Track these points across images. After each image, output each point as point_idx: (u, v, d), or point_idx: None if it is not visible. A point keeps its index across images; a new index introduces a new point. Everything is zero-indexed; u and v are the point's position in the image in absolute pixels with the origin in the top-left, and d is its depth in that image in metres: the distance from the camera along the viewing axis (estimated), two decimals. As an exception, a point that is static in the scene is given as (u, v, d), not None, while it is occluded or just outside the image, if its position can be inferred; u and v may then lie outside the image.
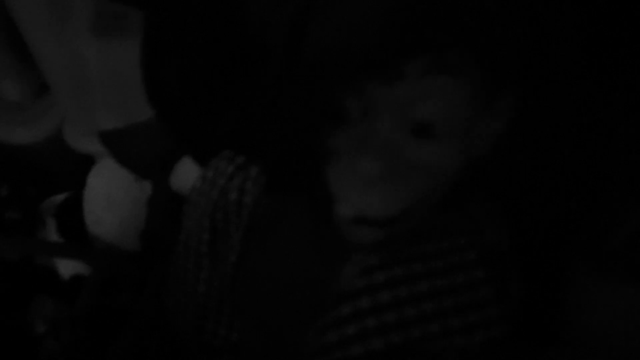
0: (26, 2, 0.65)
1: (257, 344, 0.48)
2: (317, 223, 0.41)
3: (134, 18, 0.65)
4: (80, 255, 0.68)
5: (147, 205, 0.66)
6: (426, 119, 0.33)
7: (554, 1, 0.33)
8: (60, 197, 0.79)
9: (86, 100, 0.76)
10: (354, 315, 0.37)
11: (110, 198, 0.67)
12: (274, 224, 0.45)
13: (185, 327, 0.56)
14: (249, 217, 0.47)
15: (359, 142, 0.33)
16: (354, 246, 0.38)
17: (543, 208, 0.40)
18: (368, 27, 0.30)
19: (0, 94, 0.86)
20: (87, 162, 0.88)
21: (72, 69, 0.72)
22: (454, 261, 0.38)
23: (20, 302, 0.75)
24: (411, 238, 0.39)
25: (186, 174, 0.65)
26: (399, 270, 0.37)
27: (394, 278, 0.37)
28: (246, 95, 0.43)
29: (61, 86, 0.75)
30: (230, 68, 0.44)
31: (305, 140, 0.38)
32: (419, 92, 0.32)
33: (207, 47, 0.46)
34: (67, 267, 0.71)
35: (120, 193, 0.67)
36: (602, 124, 0.40)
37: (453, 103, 0.33)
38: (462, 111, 0.34)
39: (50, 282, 0.79)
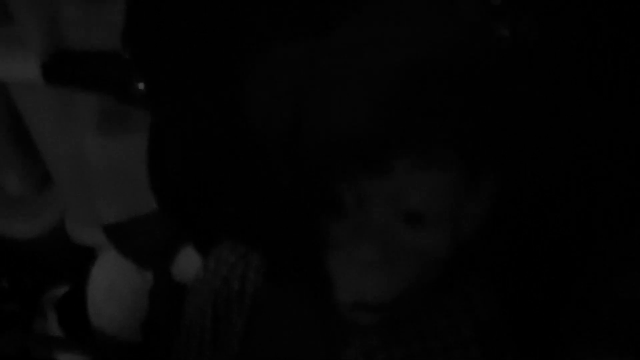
0: (35, 101, 0.69)
1: None
2: (317, 309, 0.44)
3: (136, 116, 0.69)
4: (80, 348, 0.68)
5: (149, 296, 0.68)
6: (416, 208, 0.36)
7: (528, 102, 0.37)
8: (61, 290, 0.81)
9: (88, 193, 0.79)
10: None
11: (113, 289, 0.69)
12: (275, 311, 0.47)
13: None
14: (251, 304, 0.49)
15: (355, 230, 0.36)
16: (354, 329, 0.40)
17: (532, 283, 0.43)
18: (359, 127, 0.34)
19: (3, 188, 0.88)
20: (87, 254, 0.90)
21: (75, 164, 0.75)
22: (450, 339, 0.40)
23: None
24: (408, 319, 0.41)
25: (187, 264, 0.67)
26: (398, 351, 0.39)
27: (393, 357, 0.39)
28: (246, 186, 0.46)
29: (65, 180, 0.79)
30: (231, 162, 0.47)
31: (304, 230, 0.40)
32: (409, 185, 0.35)
33: (209, 144, 0.49)
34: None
35: (123, 284, 0.69)
36: (579, 202, 0.44)
37: (440, 193, 0.36)
38: (448, 199, 0.37)
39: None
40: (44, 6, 0.58)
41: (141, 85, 0.56)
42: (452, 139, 0.36)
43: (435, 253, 0.38)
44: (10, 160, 0.86)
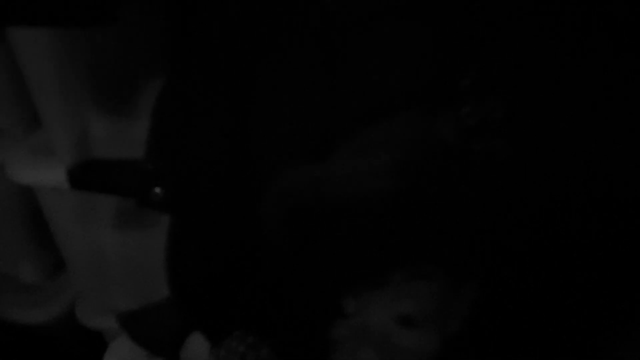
0: (58, 202, 0.75)
1: None
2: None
3: (150, 215, 0.76)
4: None
5: (160, 381, 0.73)
6: (408, 312, 0.42)
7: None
8: (72, 375, 0.85)
9: (102, 282, 0.84)
10: None
11: (125, 376, 0.73)
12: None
13: None
14: (261, 394, 0.54)
15: (355, 332, 0.42)
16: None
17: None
18: (360, 249, 0.41)
19: (17, 275, 0.93)
20: (96, 340, 0.94)
21: (91, 256, 0.81)
22: None
23: None
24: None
25: (195, 350, 0.72)
26: None
27: None
28: (257, 288, 0.52)
29: (80, 269, 0.84)
30: (244, 265, 0.54)
31: (310, 329, 0.47)
32: (401, 293, 0.42)
33: (223, 249, 0.56)
34: None
35: (135, 370, 0.74)
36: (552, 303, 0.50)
37: (428, 299, 0.42)
38: (435, 303, 0.43)
39: None
40: (74, 120, 0.66)
41: (159, 191, 0.63)
42: (435, 254, 0.42)
43: (424, 350, 0.44)
44: (25, 250, 0.90)
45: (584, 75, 0.51)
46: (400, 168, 0.46)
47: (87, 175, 0.68)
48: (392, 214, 0.42)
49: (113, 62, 0.63)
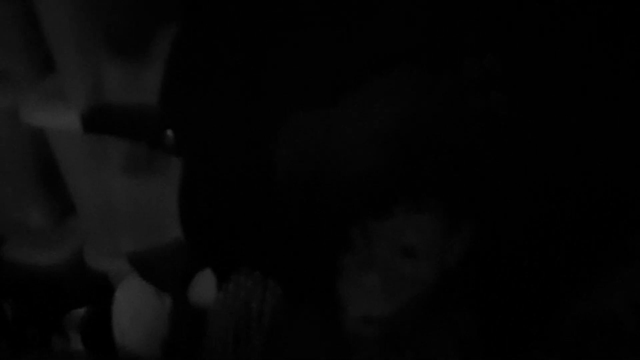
0: (69, 146, 0.78)
1: None
2: (327, 325, 0.53)
3: (158, 160, 0.78)
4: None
5: (169, 317, 0.76)
6: (410, 244, 0.46)
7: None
8: (80, 312, 0.88)
9: (110, 225, 0.87)
10: None
11: (136, 311, 0.77)
12: (291, 328, 0.57)
13: None
14: (269, 323, 0.58)
15: (362, 262, 0.46)
16: (359, 340, 0.50)
17: (503, 307, 0.53)
18: (367, 184, 0.44)
19: (25, 220, 0.96)
20: (101, 280, 0.98)
21: (100, 200, 0.84)
22: (437, 351, 0.50)
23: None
24: (403, 334, 0.50)
25: (202, 288, 0.76)
26: (394, 358, 0.49)
27: None
28: (267, 224, 0.56)
29: (89, 213, 0.87)
30: (254, 202, 0.57)
31: (319, 262, 0.50)
32: (405, 225, 0.45)
33: (234, 187, 0.59)
34: (92, 376, 0.79)
35: (144, 306, 0.77)
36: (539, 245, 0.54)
37: (429, 232, 0.46)
38: (436, 237, 0.47)
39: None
40: (88, 65, 0.68)
41: (170, 134, 0.65)
42: (436, 190, 0.46)
43: (424, 280, 0.48)
44: (34, 195, 0.93)
45: (578, 35, 0.54)
46: (408, 114, 0.49)
47: (100, 120, 0.70)
48: (396, 151, 0.45)
49: (127, 8, 0.64)
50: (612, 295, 0.54)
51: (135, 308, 0.77)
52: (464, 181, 0.48)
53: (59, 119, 0.72)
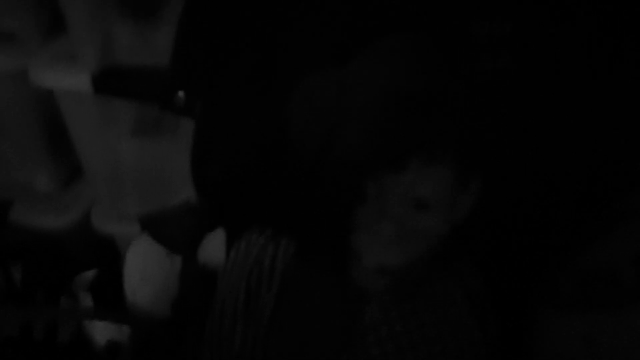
0: (79, 108, 0.79)
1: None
2: (339, 279, 0.55)
3: (167, 123, 0.79)
4: (120, 319, 0.78)
5: (179, 277, 0.78)
6: (423, 197, 0.47)
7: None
8: (89, 274, 0.90)
9: (117, 189, 0.89)
10: (376, 342, 0.50)
11: (146, 271, 0.79)
12: (302, 284, 0.58)
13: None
14: (281, 280, 0.60)
15: (376, 214, 0.48)
16: (372, 291, 0.52)
17: (508, 258, 0.55)
18: (381, 139, 0.45)
19: (33, 184, 0.97)
20: (107, 244, 1.00)
21: (109, 162, 0.85)
22: (446, 298, 0.52)
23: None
24: (414, 284, 0.52)
25: (211, 249, 0.78)
26: (407, 306, 0.51)
27: (403, 312, 0.51)
28: (280, 180, 0.57)
29: (97, 176, 0.88)
30: (267, 160, 0.58)
31: (332, 215, 0.52)
32: (418, 178, 0.47)
33: (247, 145, 0.60)
34: (102, 334, 0.81)
35: (155, 267, 0.79)
36: (544, 199, 0.56)
37: (441, 185, 0.48)
38: (446, 190, 0.48)
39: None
40: (99, 25, 0.68)
41: (181, 95, 0.66)
42: (448, 144, 0.47)
43: (435, 233, 0.49)
44: (40, 159, 0.94)
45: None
46: (419, 72, 0.51)
47: (111, 81, 0.71)
48: (409, 107, 0.46)
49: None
50: (613, 251, 0.56)
51: (145, 268, 0.79)
52: (474, 137, 0.50)
53: (69, 80, 0.73)
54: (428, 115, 0.48)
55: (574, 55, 0.58)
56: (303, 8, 0.57)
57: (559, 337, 0.53)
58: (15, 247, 0.94)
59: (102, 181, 0.88)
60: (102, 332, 0.82)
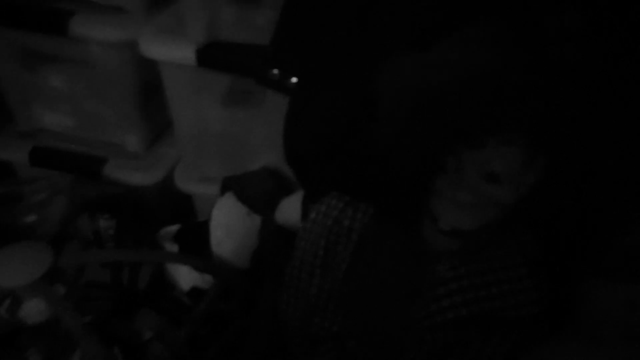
0: (180, 76, 0.88)
1: (360, 329, 0.68)
2: (413, 239, 0.63)
3: (255, 95, 0.88)
4: (205, 267, 0.87)
5: (258, 234, 0.88)
6: (496, 171, 0.55)
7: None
8: (172, 228, 1.00)
9: (202, 151, 0.99)
10: (446, 294, 0.58)
11: (229, 227, 0.88)
12: (378, 242, 0.67)
13: (295, 322, 0.76)
14: (358, 238, 0.68)
15: (454, 184, 0.56)
16: (444, 251, 0.60)
17: (563, 231, 0.62)
18: (465, 116, 0.53)
19: (123, 144, 1.07)
20: (185, 201, 1.09)
21: (198, 128, 0.95)
22: (507, 262, 0.60)
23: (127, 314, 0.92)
24: (480, 248, 0.60)
25: (287, 211, 0.87)
26: (473, 266, 0.59)
27: (470, 270, 0.59)
28: (367, 152, 0.65)
29: (186, 139, 0.98)
30: (353, 133, 0.66)
31: (411, 184, 0.60)
32: (493, 156, 0.54)
33: (336, 117, 0.68)
34: (186, 280, 0.91)
35: (237, 223, 0.88)
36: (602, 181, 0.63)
37: (512, 162, 0.55)
38: (516, 168, 0.56)
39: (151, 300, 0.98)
40: (208, 5, 0.77)
41: (275, 72, 0.75)
42: (520, 128, 0.55)
43: (503, 204, 0.57)
44: (133, 122, 1.04)
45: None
46: (492, 64, 0.58)
47: (214, 55, 0.80)
48: (490, 91, 0.54)
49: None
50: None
51: (229, 224, 0.89)
52: (543, 123, 0.57)
53: (176, 53, 0.82)
54: (505, 100, 0.55)
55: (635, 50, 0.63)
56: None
57: (605, 302, 0.61)
58: (106, 199, 1.04)
59: (189, 144, 0.97)
60: (186, 279, 0.92)
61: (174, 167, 1.05)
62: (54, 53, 0.97)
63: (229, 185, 0.90)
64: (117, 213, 1.02)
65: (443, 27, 0.61)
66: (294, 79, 0.73)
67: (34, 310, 0.68)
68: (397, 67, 0.61)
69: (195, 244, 0.93)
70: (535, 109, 0.57)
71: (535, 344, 0.60)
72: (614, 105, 0.63)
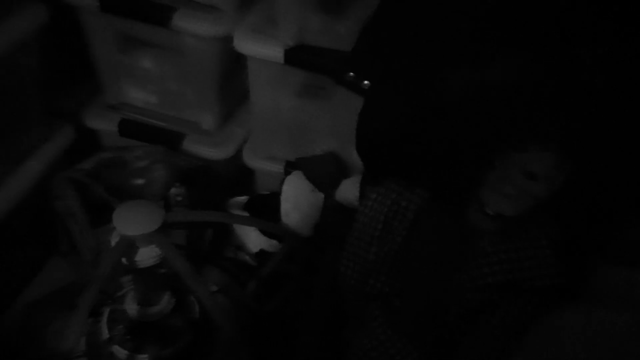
0: (264, 70, 1.02)
1: (409, 290, 0.84)
2: (461, 220, 0.79)
3: (325, 91, 1.03)
4: (274, 232, 1.02)
5: (321, 209, 1.03)
6: (534, 171, 0.71)
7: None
8: (241, 198, 1.14)
9: (272, 134, 1.13)
10: (487, 264, 0.74)
11: (297, 200, 1.03)
12: (431, 220, 0.82)
13: (351, 282, 0.91)
14: (414, 216, 0.83)
15: (501, 179, 0.72)
16: (486, 230, 0.76)
17: (581, 221, 0.78)
18: (510, 127, 0.69)
19: (200, 123, 1.21)
20: (249, 176, 1.23)
21: (273, 114, 1.09)
22: (535, 243, 0.76)
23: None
24: (514, 229, 0.76)
25: (346, 191, 1.02)
26: (509, 244, 0.75)
27: (507, 247, 0.75)
28: (428, 144, 0.80)
29: (260, 122, 1.12)
30: (417, 129, 0.82)
31: (465, 176, 0.76)
32: (533, 159, 0.70)
33: (403, 115, 0.83)
34: (255, 243, 1.06)
35: (303, 198, 1.03)
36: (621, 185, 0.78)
37: (547, 164, 0.71)
38: (550, 169, 0.72)
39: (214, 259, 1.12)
40: (298, 13, 0.92)
41: (351, 75, 0.90)
42: (557, 137, 0.71)
43: (539, 196, 0.73)
44: (210, 104, 1.18)
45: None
46: (536, 80, 0.73)
47: (300, 56, 0.95)
48: (529, 106, 0.70)
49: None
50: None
51: (297, 196, 1.03)
52: (574, 135, 0.72)
53: (267, 51, 0.97)
54: (544, 116, 0.71)
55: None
56: (452, 25, 0.80)
57: (609, 281, 0.77)
58: (185, 170, 1.18)
59: (263, 126, 1.12)
60: (255, 242, 1.07)
61: (242, 144, 1.17)
62: (150, 40, 1.09)
63: (299, 165, 1.05)
64: (188, 182, 1.15)
65: (498, 49, 0.76)
66: (366, 82, 0.88)
67: (146, 255, 0.80)
68: (459, 78, 0.76)
69: (263, 213, 1.08)
70: (566, 124, 0.72)
71: (551, 309, 0.76)
72: (632, 124, 0.78)
